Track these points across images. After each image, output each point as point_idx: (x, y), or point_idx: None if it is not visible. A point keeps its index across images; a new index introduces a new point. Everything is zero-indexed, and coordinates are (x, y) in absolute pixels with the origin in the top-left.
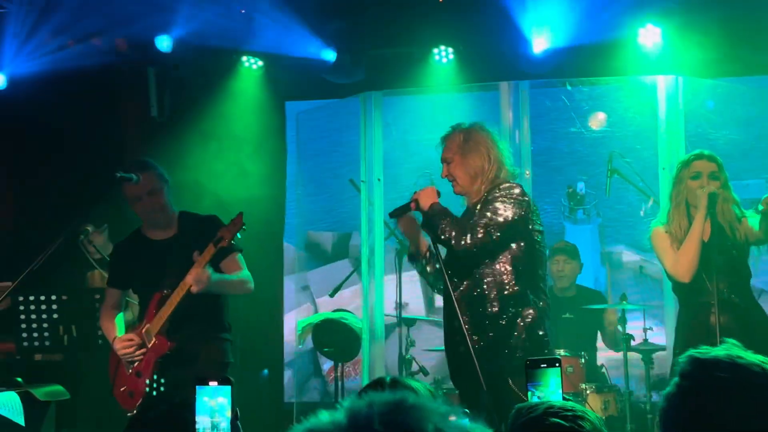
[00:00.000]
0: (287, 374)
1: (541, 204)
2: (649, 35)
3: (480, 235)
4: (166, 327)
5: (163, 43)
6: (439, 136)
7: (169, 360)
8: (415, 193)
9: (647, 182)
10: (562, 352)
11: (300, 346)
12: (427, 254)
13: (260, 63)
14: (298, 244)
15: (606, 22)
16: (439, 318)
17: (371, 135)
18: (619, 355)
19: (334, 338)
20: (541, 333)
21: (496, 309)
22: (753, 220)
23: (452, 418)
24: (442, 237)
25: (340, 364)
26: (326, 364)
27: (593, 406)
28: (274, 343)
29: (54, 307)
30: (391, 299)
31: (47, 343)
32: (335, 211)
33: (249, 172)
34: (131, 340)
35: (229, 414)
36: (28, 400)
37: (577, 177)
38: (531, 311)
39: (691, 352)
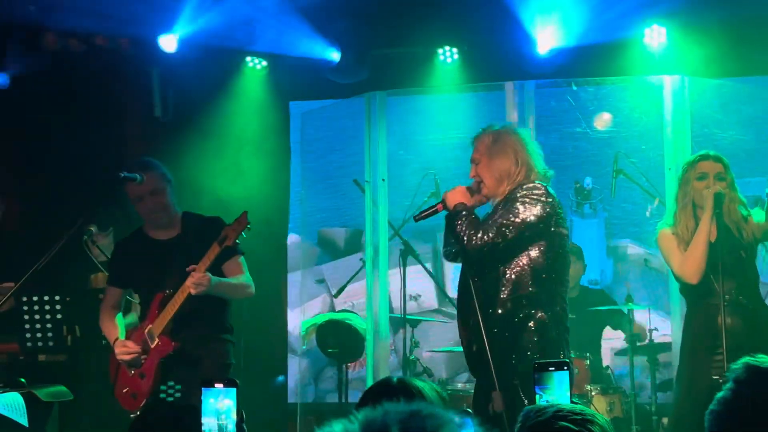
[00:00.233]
0: (291, 375)
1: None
2: (655, 35)
3: (491, 235)
4: (169, 327)
5: (168, 43)
6: (443, 136)
7: (171, 361)
8: (444, 193)
9: (653, 183)
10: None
11: (304, 347)
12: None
13: (264, 63)
14: (311, 239)
15: (611, 22)
16: (445, 317)
17: (375, 135)
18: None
19: (339, 339)
20: (554, 336)
21: (510, 309)
22: (758, 215)
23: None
24: (459, 234)
25: (344, 366)
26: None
27: (598, 408)
28: (277, 344)
29: (58, 307)
30: (401, 291)
31: (51, 344)
32: (340, 211)
33: (252, 172)
34: (131, 348)
35: (234, 416)
36: (31, 401)
37: (583, 176)
38: (544, 314)
39: (747, 359)
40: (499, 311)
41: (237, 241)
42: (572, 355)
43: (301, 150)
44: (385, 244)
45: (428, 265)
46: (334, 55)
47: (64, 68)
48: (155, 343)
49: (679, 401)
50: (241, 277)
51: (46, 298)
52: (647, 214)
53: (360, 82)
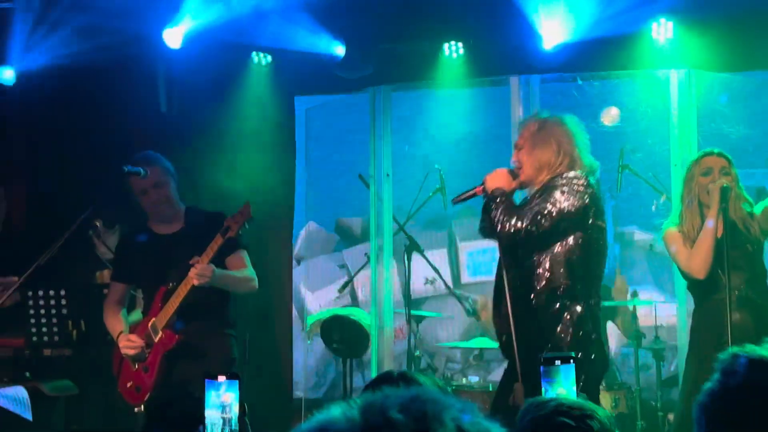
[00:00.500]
0: (296, 370)
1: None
2: (662, 29)
3: (525, 222)
4: (173, 320)
5: (172, 38)
6: (448, 131)
7: (175, 354)
8: (485, 176)
9: (659, 178)
10: None
11: (309, 342)
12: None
13: (269, 58)
14: (329, 227)
15: (617, 16)
16: (456, 300)
17: (380, 130)
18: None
19: (343, 335)
20: (588, 330)
21: (544, 300)
22: (760, 207)
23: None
24: (493, 219)
25: (348, 361)
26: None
27: (604, 404)
28: (282, 338)
29: (63, 302)
30: (419, 278)
31: (56, 339)
32: (344, 206)
33: (257, 166)
34: (135, 342)
35: (237, 409)
36: (36, 395)
37: None
38: (579, 307)
39: (735, 349)
40: (533, 302)
41: (240, 232)
42: (605, 349)
43: (305, 145)
44: (390, 239)
45: (444, 251)
46: (339, 50)
47: (68, 64)
48: (159, 336)
49: (685, 397)
50: (244, 270)
51: (51, 292)
52: (653, 209)
53: (365, 76)
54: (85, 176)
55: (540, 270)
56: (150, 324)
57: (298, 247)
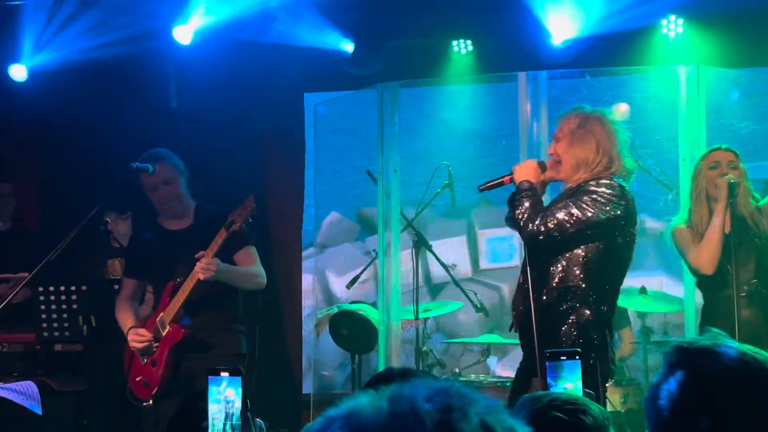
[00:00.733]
0: (305, 366)
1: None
2: (671, 25)
3: (550, 226)
4: (180, 315)
5: (183, 35)
6: (456, 126)
7: (182, 349)
8: (513, 166)
9: (668, 174)
10: None
11: (318, 338)
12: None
13: (279, 54)
14: (351, 217)
15: (626, 12)
16: (477, 285)
17: (388, 126)
18: None
19: (351, 330)
20: (593, 336)
21: (555, 297)
22: (766, 200)
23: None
24: (516, 216)
25: (357, 356)
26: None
27: (612, 400)
28: (291, 334)
29: (74, 297)
30: (439, 264)
31: (67, 334)
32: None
33: (267, 163)
34: (143, 335)
35: (239, 404)
36: (46, 390)
37: None
38: (588, 311)
39: (677, 341)
40: (544, 298)
41: (244, 226)
42: (614, 358)
43: (314, 141)
44: (397, 235)
45: (463, 238)
46: (348, 47)
47: (79, 61)
48: (166, 330)
49: None
50: (252, 267)
51: (62, 288)
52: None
53: (374, 73)
54: (95, 173)
55: (555, 267)
56: (158, 319)
57: (321, 237)
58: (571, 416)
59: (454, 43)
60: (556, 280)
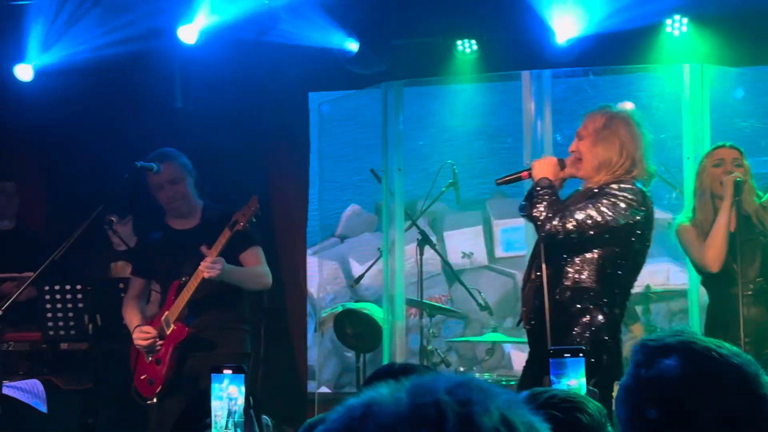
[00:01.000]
0: (310, 364)
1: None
2: (675, 24)
3: (569, 227)
4: (184, 314)
5: (187, 34)
6: (460, 125)
7: (187, 347)
8: (533, 161)
9: (672, 172)
10: None
11: (322, 337)
12: None
13: (284, 53)
14: (370, 209)
15: (631, 11)
16: (494, 272)
17: (392, 125)
18: None
19: (356, 329)
20: (606, 338)
21: (567, 297)
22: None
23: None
24: (533, 213)
25: (362, 355)
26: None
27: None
28: (297, 333)
29: (79, 296)
30: (457, 252)
31: (72, 333)
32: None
33: (271, 161)
34: (148, 332)
35: (242, 402)
36: (52, 389)
37: None
38: (601, 315)
39: (643, 339)
40: (557, 297)
41: (248, 226)
42: (620, 356)
43: (319, 140)
44: (401, 233)
45: (479, 228)
46: (352, 46)
47: (84, 61)
48: (170, 329)
49: None
50: (257, 267)
51: (67, 287)
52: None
53: (378, 72)
54: (100, 172)
55: (569, 267)
56: (163, 317)
57: (341, 228)
58: (567, 414)
59: (459, 42)
60: (570, 279)
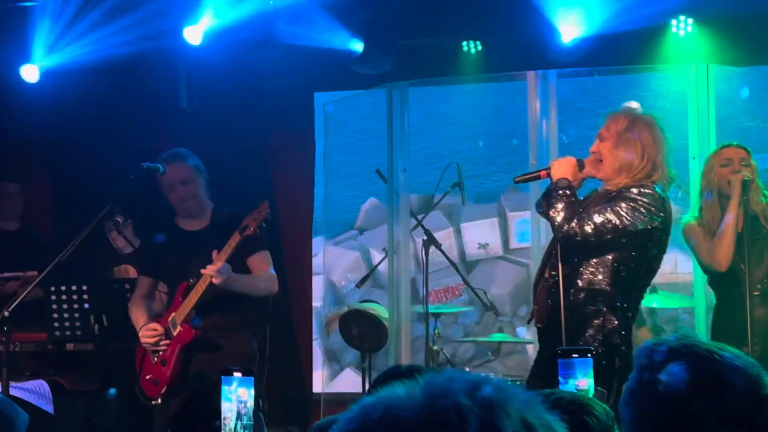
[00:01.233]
0: (315, 365)
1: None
2: (681, 23)
3: (587, 230)
4: (191, 316)
5: (193, 35)
6: (466, 125)
7: (192, 349)
8: (551, 161)
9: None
10: None
11: (327, 337)
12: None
13: (289, 54)
14: (346, 222)
15: (636, 11)
16: (509, 263)
17: (397, 125)
18: None
19: (362, 329)
20: (618, 342)
21: (581, 299)
22: None
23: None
24: (551, 213)
25: (368, 355)
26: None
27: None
28: (302, 334)
29: (85, 297)
30: (473, 242)
31: (78, 333)
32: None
33: (277, 161)
34: (155, 329)
35: (251, 404)
36: (58, 389)
37: None
38: (615, 319)
39: (647, 343)
40: (571, 298)
41: (258, 230)
42: (632, 360)
43: (324, 140)
44: (407, 233)
45: (495, 219)
46: (358, 47)
47: (90, 62)
48: (177, 330)
49: None
50: (264, 273)
51: (73, 287)
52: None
53: (383, 72)
54: (106, 173)
55: (584, 268)
56: (170, 318)
57: (360, 220)
58: (574, 417)
59: (464, 42)
60: (584, 281)
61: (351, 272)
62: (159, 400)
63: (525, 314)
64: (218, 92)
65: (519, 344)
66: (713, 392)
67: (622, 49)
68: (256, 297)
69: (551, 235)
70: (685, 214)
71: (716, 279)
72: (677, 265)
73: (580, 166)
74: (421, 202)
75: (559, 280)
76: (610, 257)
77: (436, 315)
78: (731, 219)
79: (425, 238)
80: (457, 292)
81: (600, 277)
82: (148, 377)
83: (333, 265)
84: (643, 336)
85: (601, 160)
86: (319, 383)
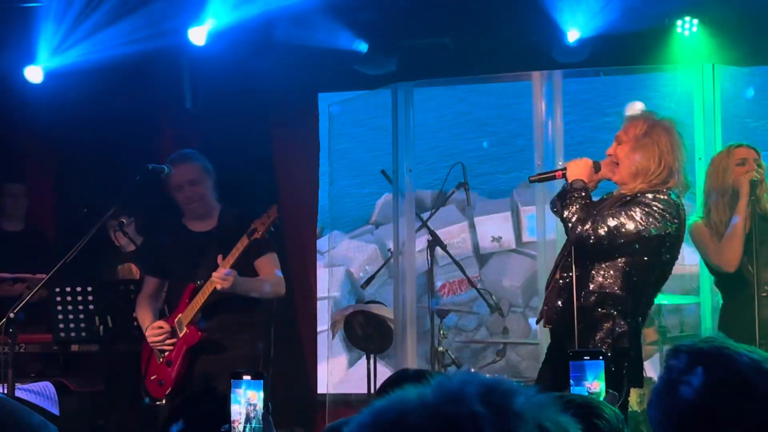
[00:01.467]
0: (320, 366)
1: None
2: (686, 24)
3: (600, 233)
4: (198, 318)
5: (197, 36)
6: (471, 126)
7: (199, 350)
8: (567, 162)
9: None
10: None
11: (332, 338)
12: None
13: (293, 55)
14: (352, 221)
15: (642, 11)
16: (522, 255)
17: (402, 125)
18: None
19: (367, 330)
20: (628, 346)
21: (592, 302)
22: None
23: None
24: (565, 215)
25: (372, 356)
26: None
27: (630, 400)
28: (306, 334)
29: (90, 298)
30: (487, 235)
31: (83, 334)
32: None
33: (281, 162)
34: (161, 327)
35: (261, 407)
36: (63, 390)
37: None
38: (625, 324)
39: (676, 345)
40: (581, 301)
41: (266, 234)
42: (640, 366)
43: (329, 141)
44: (412, 234)
45: (508, 214)
46: (362, 47)
47: (94, 63)
48: (183, 332)
49: None
50: (271, 276)
51: (78, 288)
52: None
53: (388, 73)
54: (110, 173)
55: (595, 271)
56: (176, 320)
57: (375, 215)
58: (584, 419)
59: (469, 42)
60: (595, 284)
61: (369, 264)
62: (164, 401)
63: (537, 305)
64: (222, 92)
65: (530, 334)
66: (740, 395)
67: (627, 50)
68: (262, 299)
69: (557, 230)
70: (691, 214)
71: (723, 280)
72: (684, 258)
73: (596, 168)
74: (434, 198)
75: (570, 282)
76: (622, 261)
77: (445, 312)
78: (740, 219)
79: (430, 238)
80: (473, 283)
81: (611, 280)
82: (153, 378)
83: (351, 258)
84: (649, 336)
85: (618, 164)
86: (323, 384)
